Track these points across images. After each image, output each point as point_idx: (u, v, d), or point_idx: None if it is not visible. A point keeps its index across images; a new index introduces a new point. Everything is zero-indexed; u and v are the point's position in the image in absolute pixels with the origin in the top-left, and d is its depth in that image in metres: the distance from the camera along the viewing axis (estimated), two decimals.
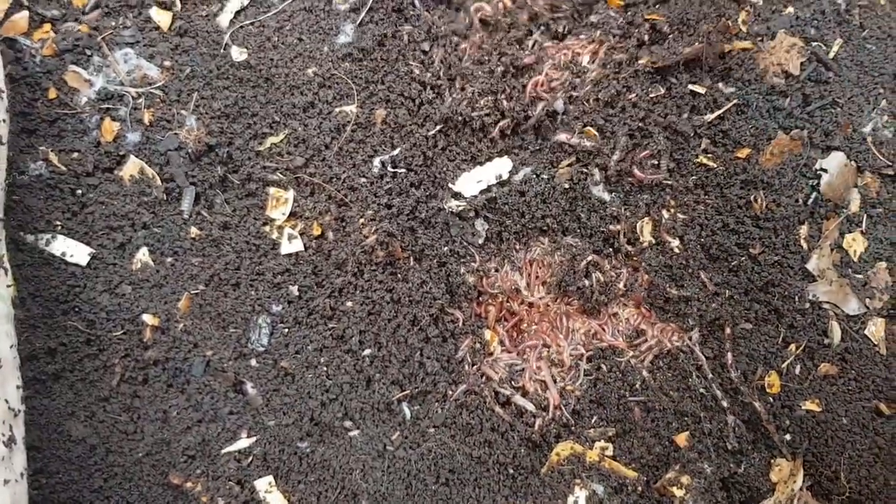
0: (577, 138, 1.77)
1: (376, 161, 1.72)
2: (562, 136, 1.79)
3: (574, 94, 1.81)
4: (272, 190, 1.67)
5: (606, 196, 1.78)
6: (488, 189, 1.76)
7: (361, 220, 1.64)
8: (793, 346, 1.70)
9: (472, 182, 1.77)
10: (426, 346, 1.63)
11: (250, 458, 1.59)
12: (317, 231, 1.65)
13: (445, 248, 1.69)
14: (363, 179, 1.68)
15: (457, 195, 1.74)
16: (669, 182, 1.77)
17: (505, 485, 1.59)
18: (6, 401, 1.39)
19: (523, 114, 1.80)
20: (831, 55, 1.81)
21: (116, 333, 1.62)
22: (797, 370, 1.70)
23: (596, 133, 1.78)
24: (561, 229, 1.77)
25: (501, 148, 1.83)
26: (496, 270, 1.76)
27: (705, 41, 1.77)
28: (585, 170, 1.77)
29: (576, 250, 1.77)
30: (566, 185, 1.76)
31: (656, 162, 1.78)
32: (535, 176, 1.76)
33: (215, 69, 1.75)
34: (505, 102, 1.80)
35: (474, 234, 1.74)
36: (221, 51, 1.77)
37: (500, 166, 1.79)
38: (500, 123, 1.81)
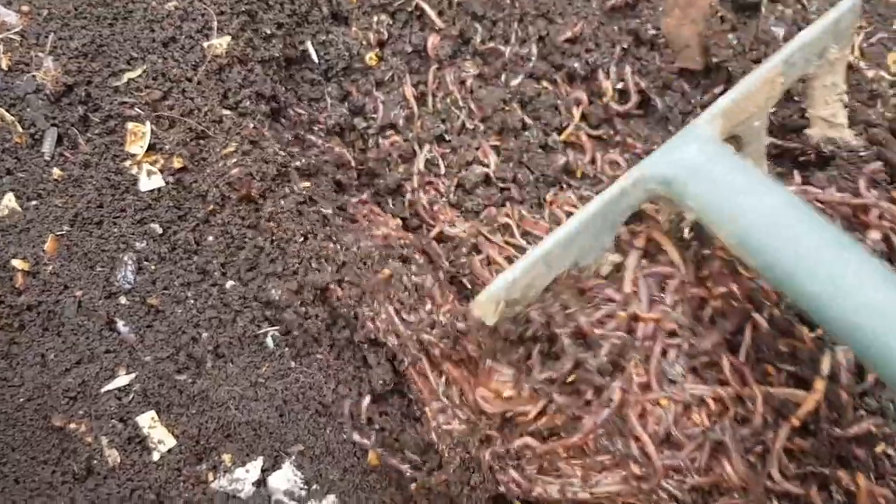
0: None
1: (246, 91, 1.68)
2: None
3: None
4: (130, 125, 1.65)
5: None
6: None
7: (224, 152, 1.61)
8: None
9: None
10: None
11: (131, 396, 1.59)
12: (178, 164, 1.62)
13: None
14: (227, 112, 1.64)
15: None
16: None
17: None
18: None
19: None
20: None
21: None
22: None
23: None
24: None
25: None
26: None
27: None
28: None
29: None
30: None
31: None
32: None
33: (73, 10, 1.72)
34: None
35: None
36: None
37: None
38: None
